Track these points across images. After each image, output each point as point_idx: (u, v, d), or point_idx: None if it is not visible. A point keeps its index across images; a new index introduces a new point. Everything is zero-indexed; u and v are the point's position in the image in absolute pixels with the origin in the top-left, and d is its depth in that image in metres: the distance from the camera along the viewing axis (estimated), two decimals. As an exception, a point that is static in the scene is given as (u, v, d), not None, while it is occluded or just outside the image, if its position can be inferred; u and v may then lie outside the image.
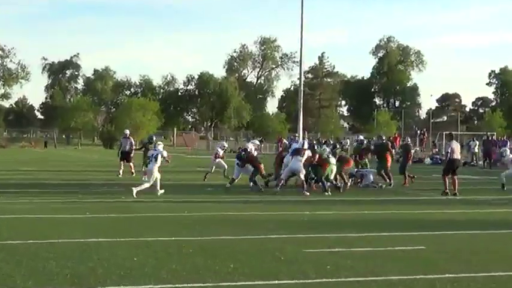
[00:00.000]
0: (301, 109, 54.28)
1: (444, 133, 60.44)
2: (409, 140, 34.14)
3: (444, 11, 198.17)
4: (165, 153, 24.08)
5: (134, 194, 22.14)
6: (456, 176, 25.56)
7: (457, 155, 26.24)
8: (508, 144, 53.10)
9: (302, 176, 25.05)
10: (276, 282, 10.07)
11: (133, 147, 33.80)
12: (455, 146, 26.08)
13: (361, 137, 36.94)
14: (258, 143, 33.18)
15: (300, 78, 56.78)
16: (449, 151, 25.57)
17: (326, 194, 24.56)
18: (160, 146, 25.24)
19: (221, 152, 29.81)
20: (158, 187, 23.27)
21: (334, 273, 10.72)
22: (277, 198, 23.38)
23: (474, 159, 54.04)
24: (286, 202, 22.63)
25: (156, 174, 23.38)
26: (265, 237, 14.28)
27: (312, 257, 12.04)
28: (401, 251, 12.94)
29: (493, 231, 16.06)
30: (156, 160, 23.54)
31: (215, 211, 19.40)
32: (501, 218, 19.16)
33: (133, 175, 31.76)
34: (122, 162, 32.94)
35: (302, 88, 54.07)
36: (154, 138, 30.08)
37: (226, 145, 31.81)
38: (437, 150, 63.25)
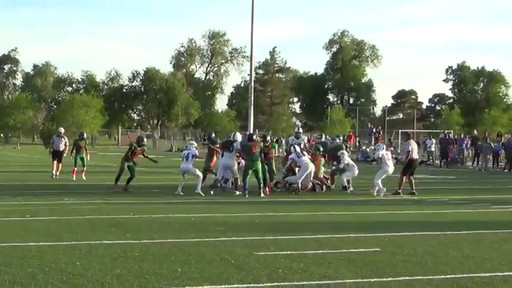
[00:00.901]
0: (252, 106, 54.49)
1: (400, 132, 61.28)
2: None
3: (401, 4, 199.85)
4: (196, 153, 25.34)
5: (201, 192, 24.14)
6: (412, 176, 26.24)
7: (416, 155, 26.91)
8: (465, 142, 53.94)
9: (235, 173, 25.57)
10: (226, 286, 10.08)
11: (67, 147, 33.46)
12: (414, 145, 26.77)
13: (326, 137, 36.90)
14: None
15: (250, 74, 57.03)
16: (410, 150, 25.97)
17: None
18: (193, 146, 26.23)
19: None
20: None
21: (287, 277, 10.75)
22: (228, 200, 23.47)
23: (431, 158, 54.73)
24: (237, 203, 22.70)
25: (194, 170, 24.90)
26: (215, 239, 14.28)
27: (264, 261, 12.04)
28: (355, 253, 12.99)
29: (449, 232, 16.20)
30: (187, 159, 24.84)
31: (162, 213, 19.31)
32: (457, 219, 19.39)
33: (55, 177, 31.80)
34: (54, 162, 32.68)
35: (253, 85, 54.29)
36: (145, 140, 29.31)
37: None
38: (392, 148, 63.89)
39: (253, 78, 58.38)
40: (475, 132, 55.94)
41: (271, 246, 13.55)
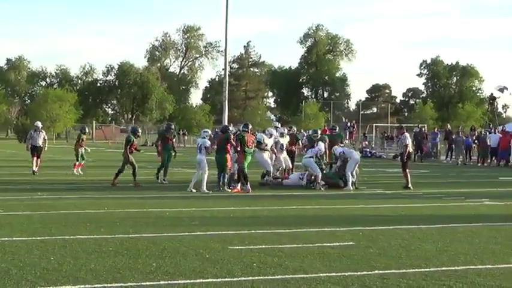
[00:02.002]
0: (227, 101, 54.63)
1: (395, 126, 61.12)
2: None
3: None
4: (207, 144, 24.69)
5: (206, 190, 23.50)
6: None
7: (411, 147, 26.84)
8: (439, 136, 54.11)
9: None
10: (201, 281, 10.07)
11: (46, 141, 33.07)
12: (409, 138, 26.52)
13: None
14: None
15: (225, 69, 57.21)
16: (408, 143, 25.86)
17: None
18: (206, 134, 26.14)
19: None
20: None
21: (261, 271, 10.78)
22: (204, 195, 23.37)
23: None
24: (213, 198, 22.63)
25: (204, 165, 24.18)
26: (190, 234, 14.26)
27: (238, 255, 12.05)
28: (330, 248, 13.01)
29: (424, 226, 16.25)
30: (200, 151, 24.31)
31: (137, 208, 19.29)
32: (431, 213, 19.46)
33: (35, 173, 31.20)
34: (34, 158, 32.19)
35: (227, 79, 54.53)
36: (139, 130, 29.07)
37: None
38: (367, 143, 64.08)
39: (227, 73, 58.62)
40: (449, 126, 56.06)
41: (246, 241, 13.55)
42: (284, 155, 27.56)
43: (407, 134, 26.60)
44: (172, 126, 29.96)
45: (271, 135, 26.85)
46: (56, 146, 64.44)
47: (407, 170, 25.96)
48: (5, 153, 55.57)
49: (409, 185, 25.83)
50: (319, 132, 29.99)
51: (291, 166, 27.95)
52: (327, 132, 33.11)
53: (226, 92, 53.65)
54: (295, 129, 38.19)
